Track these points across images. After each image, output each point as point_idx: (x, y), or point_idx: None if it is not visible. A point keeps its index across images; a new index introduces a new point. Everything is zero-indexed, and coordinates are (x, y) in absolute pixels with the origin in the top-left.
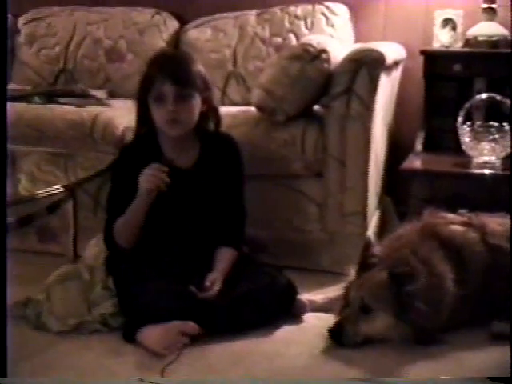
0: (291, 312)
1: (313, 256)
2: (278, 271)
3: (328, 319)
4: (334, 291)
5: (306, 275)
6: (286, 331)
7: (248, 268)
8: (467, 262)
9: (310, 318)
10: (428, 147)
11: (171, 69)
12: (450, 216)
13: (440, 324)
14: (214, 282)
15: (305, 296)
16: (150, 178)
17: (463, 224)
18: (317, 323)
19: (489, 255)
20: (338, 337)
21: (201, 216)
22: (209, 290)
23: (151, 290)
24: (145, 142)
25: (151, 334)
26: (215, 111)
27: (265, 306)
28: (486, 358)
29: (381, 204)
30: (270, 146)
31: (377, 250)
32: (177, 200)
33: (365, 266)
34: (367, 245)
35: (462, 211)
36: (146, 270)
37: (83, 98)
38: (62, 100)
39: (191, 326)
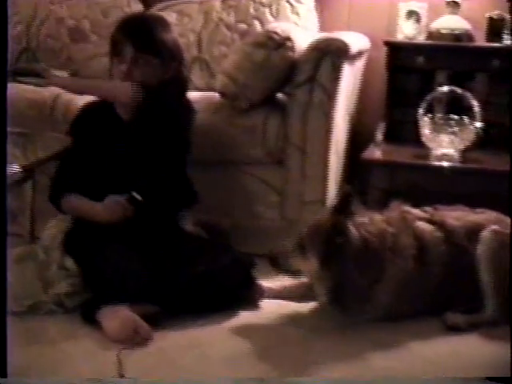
0: (249, 296)
1: (272, 243)
2: (241, 253)
3: (285, 306)
4: (290, 279)
5: (265, 262)
6: (242, 316)
7: (210, 248)
8: (429, 257)
9: (265, 303)
10: (389, 138)
11: (134, 31)
12: (415, 211)
13: (367, 299)
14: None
15: (261, 282)
16: (112, 210)
17: (427, 221)
18: (273, 309)
19: (449, 253)
20: (276, 263)
21: (147, 173)
22: None
23: (114, 262)
24: (104, 103)
25: (111, 318)
26: (179, 82)
27: (224, 286)
28: (438, 349)
29: (340, 192)
30: (232, 132)
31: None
32: (122, 156)
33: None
34: (346, 193)
35: (426, 208)
36: (108, 244)
37: (45, 77)
38: (22, 79)
39: (146, 330)
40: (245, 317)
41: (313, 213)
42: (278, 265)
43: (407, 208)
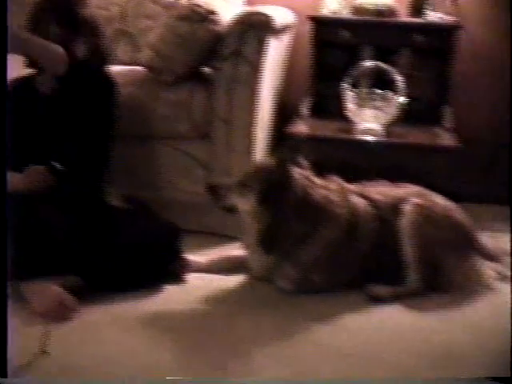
0: (175, 271)
1: (199, 218)
2: (166, 225)
3: (209, 280)
4: (218, 253)
5: (192, 237)
6: (167, 290)
7: (134, 220)
8: (359, 232)
9: (190, 277)
10: (314, 112)
11: (53, 7)
12: (349, 185)
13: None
14: None
15: (186, 257)
16: (31, 179)
17: (359, 195)
18: (199, 284)
19: (377, 228)
20: (211, 191)
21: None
22: None
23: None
24: (25, 79)
25: (37, 292)
26: (99, 56)
27: (149, 257)
28: (364, 321)
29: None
30: (157, 106)
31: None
32: (42, 128)
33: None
34: (295, 143)
35: (354, 183)
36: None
37: None
38: None
39: (72, 303)
40: (170, 291)
41: None
42: (217, 196)
43: (342, 182)
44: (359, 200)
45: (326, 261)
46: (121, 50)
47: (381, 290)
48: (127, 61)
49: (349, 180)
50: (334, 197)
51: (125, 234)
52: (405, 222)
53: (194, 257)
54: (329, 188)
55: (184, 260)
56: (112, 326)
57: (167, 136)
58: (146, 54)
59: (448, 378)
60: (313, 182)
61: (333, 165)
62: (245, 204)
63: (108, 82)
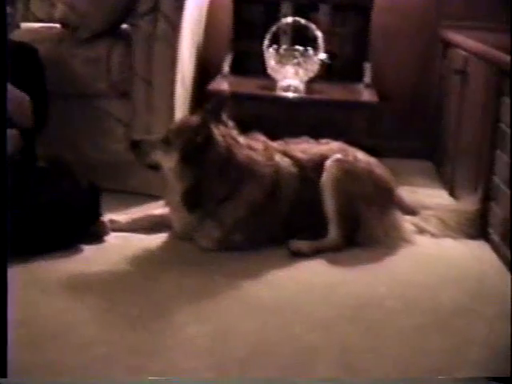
0: (94, 231)
1: (119, 177)
2: (86, 186)
3: (130, 239)
4: (138, 212)
5: (112, 197)
6: (86, 250)
7: (53, 178)
8: (282, 192)
9: (111, 237)
10: (236, 70)
11: None
12: (273, 144)
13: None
14: None
15: (108, 216)
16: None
17: (283, 154)
18: (118, 243)
19: (300, 188)
20: (134, 148)
21: None
22: None
23: None
24: None
25: None
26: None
27: (68, 215)
28: (282, 275)
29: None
30: (74, 63)
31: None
32: None
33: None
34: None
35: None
36: None
37: None
38: None
39: None
40: (90, 251)
41: None
42: (140, 153)
43: (266, 140)
44: (283, 159)
45: (248, 220)
46: (36, 6)
47: (302, 245)
48: (43, 17)
49: (272, 138)
50: (258, 156)
51: (45, 193)
52: (326, 178)
53: (115, 216)
54: (253, 147)
55: (101, 222)
56: (32, 287)
57: (86, 94)
58: (60, 9)
59: (448, 378)
60: (236, 141)
61: (256, 123)
62: (168, 162)
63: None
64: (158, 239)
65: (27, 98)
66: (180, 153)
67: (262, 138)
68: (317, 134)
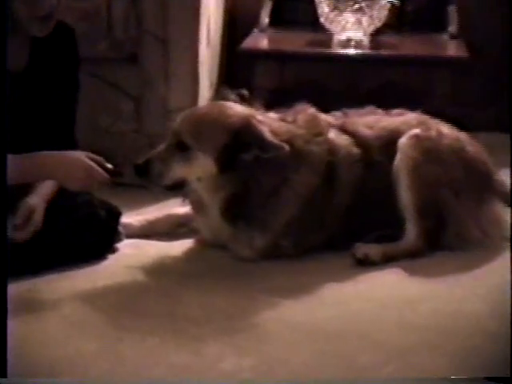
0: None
1: (127, 168)
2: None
3: (146, 247)
4: (155, 212)
5: (120, 192)
6: (94, 264)
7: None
8: (341, 176)
9: (123, 246)
10: (276, 21)
11: None
12: (325, 117)
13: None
14: (33, 211)
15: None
16: None
17: (339, 130)
18: (132, 252)
19: (364, 172)
20: (143, 173)
21: (36, 124)
22: (22, 228)
23: None
24: None
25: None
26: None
27: (83, 243)
28: (348, 292)
29: (218, 97)
30: (67, 18)
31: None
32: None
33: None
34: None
35: (334, 113)
36: None
37: None
38: None
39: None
40: (98, 265)
41: None
42: (151, 175)
43: (316, 112)
44: (340, 136)
45: (299, 220)
46: None
47: (370, 250)
48: None
49: (326, 110)
50: (305, 134)
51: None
52: (400, 160)
53: (125, 218)
54: (298, 123)
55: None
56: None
57: (82, 59)
58: None
59: (448, 378)
60: (275, 123)
61: (304, 90)
62: (196, 172)
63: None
64: (180, 246)
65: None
66: (215, 160)
67: (311, 109)
68: (386, 103)
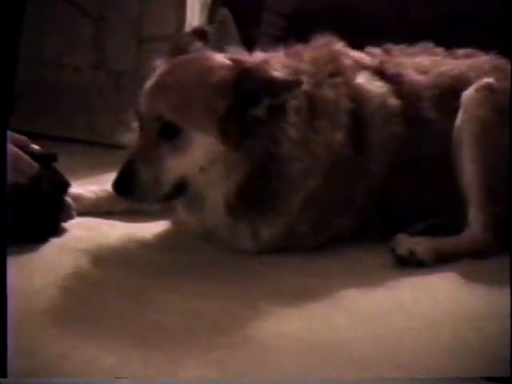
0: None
1: (66, 122)
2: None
3: (103, 230)
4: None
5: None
6: (31, 251)
7: None
8: (373, 139)
9: (74, 226)
10: None
11: None
12: (355, 55)
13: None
14: None
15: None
16: None
17: (375, 73)
18: (85, 235)
19: (408, 133)
20: (128, 190)
21: None
22: None
23: None
24: None
25: None
26: None
27: (17, 222)
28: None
29: (212, 20)
30: None
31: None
32: None
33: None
34: (196, 30)
35: (370, 49)
36: None
37: None
38: None
39: None
40: (40, 253)
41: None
42: (133, 189)
43: (342, 48)
44: (373, 82)
45: (321, 196)
46: None
47: (417, 244)
48: None
49: (360, 45)
50: (313, 72)
51: None
52: (464, 121)
53: (75, 188)
54: (304, 59)
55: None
56: None
57: None
58: None
59: (448, 378)
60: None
61: (331, 16)
62: (184, 165)
63: None
64: (150, 228)
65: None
66: (219, 135)
67: (337, 44)
68: (448, 40)
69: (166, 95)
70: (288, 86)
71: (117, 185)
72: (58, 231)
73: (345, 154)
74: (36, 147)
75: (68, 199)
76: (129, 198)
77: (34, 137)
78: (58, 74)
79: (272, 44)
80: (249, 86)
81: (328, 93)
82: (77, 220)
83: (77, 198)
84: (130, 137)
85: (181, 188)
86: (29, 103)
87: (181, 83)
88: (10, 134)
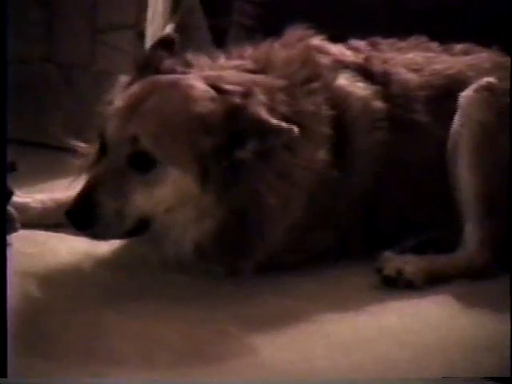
0: None
1: (10, 121)
2: None
3: (51, 244)
4: (68, 184)
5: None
6: None
7: None
8: (358, 148)
9: (18, 240)
10: None
11: None
12: (333, 50)
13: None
14: None
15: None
16: None
17: (359, 71)
18: (30, 252)
19: (396, 140)
20: (81, 221)
21: None
22: None
23: None
24: None
25: None
26: None
27: None
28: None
29: (178, 7)
30: None
31: (191, 58)
32: None
33: (150, 71)
34: (164, 40)
35: (354, 42)
36: None
37: None
38: None
39: None
40: None
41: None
42: (92, 222)
43: (319, 43)
44: (356, 83)
45: (302, 217)
46: None
47: (406, 263)
48: None
49: (343, 38)
50: (300, 83)
51: None
52: (461, 125)
53: (20, 196)
54: (272, 61)
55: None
56: None
57: None
58: None
59: (448, 378)
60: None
61: (308, 4)
62: (151, 205)
63: None
64: (106, 243)
65: None
66: (196, 174)
67: (312, 38)
68: (443, 33)
69: (143, 121)
70: (279, 131)
71: (73, 215)
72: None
73: (328, 174)
74: None
75: (11, 209)
76: (87, 232)
77: None
78: None
79: (243, 35)
80: (238, 124)
81: (305, 105)
82: (21, 233)
83: (22, 208)
84: (83, 141)
85: (143, 225)
86: None
87: (162, 110)
88: None
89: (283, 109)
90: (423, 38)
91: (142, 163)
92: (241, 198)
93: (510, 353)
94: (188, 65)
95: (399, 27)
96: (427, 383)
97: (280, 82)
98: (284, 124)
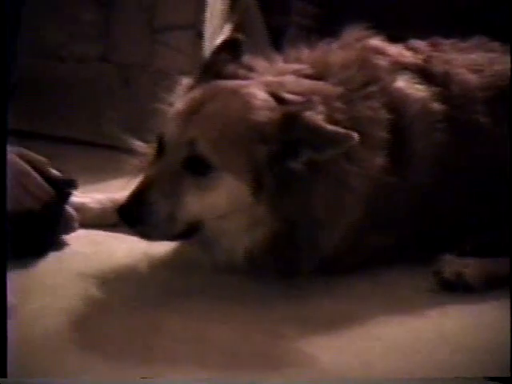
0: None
1: (68, 121)
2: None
3: (109, 245)
4: (123, 184)
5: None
6: (25, 268)
7: None
8: (411, 140)
9: (77, 240)
10: None
11: None
12: (391, 51)
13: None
14: None
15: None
16: None
17: (420, 72)
18: (88, 252)
19: (450, 137)
20: (136, 220)
21: None
22: None
23: None
24: None
25: None
26: None
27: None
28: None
29: (235, 7)
30: None
31: (252, 61)
32: None
33: (212, 75)
34: (229, 42)
35: (413, 43)
36: None
37: None
38: None
39: None
40: (36, 272)
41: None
42: (142, 219)
43: (377, 43)
44: (414, 85)
45: (357, 224)
46: None
47: (466, 266)
48: None
49: (401, 38)
50: (356, 85)
51: None
52: None
53: (79, 196)
54: (329, 66)
55: (67, 209)
56: None
57: None
58: None
59: (448, 378)
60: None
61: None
62: (207, 209)
63: None
64: (161, 243)
65: None
66: (251, 183)
67: (371, 39)
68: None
69: (202, 125)
70: (336, 140)
71: (125, 211)
72: (57, 246)
73: (386, 178)
74: (55, 172)
75: (69, 209)
76: (136, 229)
77: (32, 137)
78: (59, 67)
79: (301, 36)
80: (293, 133)
81: (362, 110)
82: (79, 233)
83: (80, 208)
84: (141, 141)
85: (193, 229)
86: (26, 100)
87: (221, 116)
88: (28, 154)
89: (340, 117)
90: (485, 39)
91: (198, 167)
92: (293, 209)
93: (510, 353)
94: (250, 69)
95: (458, 27)
96: (427, 383)
97: (338, 90)
98: (342, 131)
